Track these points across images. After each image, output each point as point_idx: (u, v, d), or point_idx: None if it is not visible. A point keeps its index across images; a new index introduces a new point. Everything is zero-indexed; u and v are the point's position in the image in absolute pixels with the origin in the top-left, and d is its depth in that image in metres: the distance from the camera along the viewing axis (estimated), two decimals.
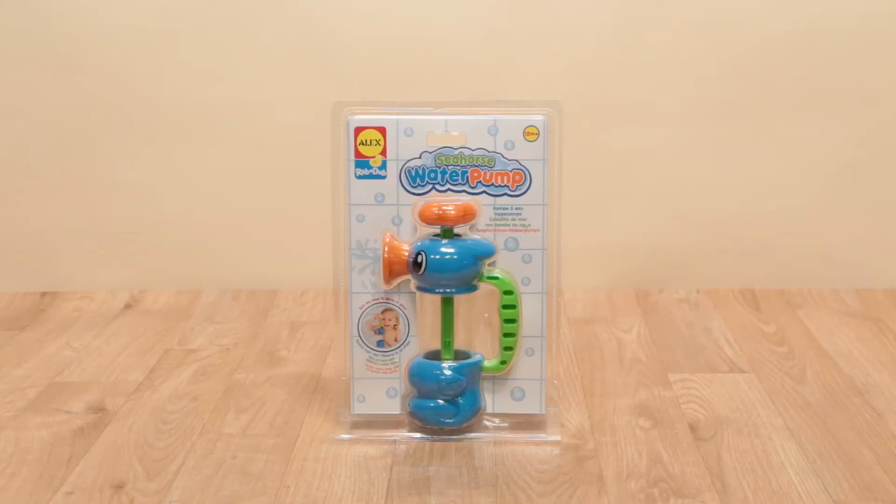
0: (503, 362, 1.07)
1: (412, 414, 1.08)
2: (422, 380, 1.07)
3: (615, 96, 1.48)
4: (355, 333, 1.08)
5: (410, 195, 1.06)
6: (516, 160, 1.05)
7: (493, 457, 1.05)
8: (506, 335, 1.07)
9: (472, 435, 1.08)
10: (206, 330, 1.39)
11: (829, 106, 1.48)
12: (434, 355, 1.08)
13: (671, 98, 1.48)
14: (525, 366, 1.08)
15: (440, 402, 1.06)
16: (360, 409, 1.09)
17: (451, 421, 1.07)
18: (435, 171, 1.05)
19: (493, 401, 1.09)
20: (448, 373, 1.06)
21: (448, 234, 1.05)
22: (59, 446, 1.08)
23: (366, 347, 1.08)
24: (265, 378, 1.24)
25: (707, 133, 1.49)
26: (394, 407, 1.09)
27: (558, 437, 1.08)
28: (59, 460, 1.05)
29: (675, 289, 1.53)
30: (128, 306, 1.49)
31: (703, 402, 1.17)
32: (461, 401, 1.06)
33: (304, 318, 1.44)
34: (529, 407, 1.09)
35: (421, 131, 1.05)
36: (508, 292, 1.06)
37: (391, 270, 1.05)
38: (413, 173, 1.06)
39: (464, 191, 1.06)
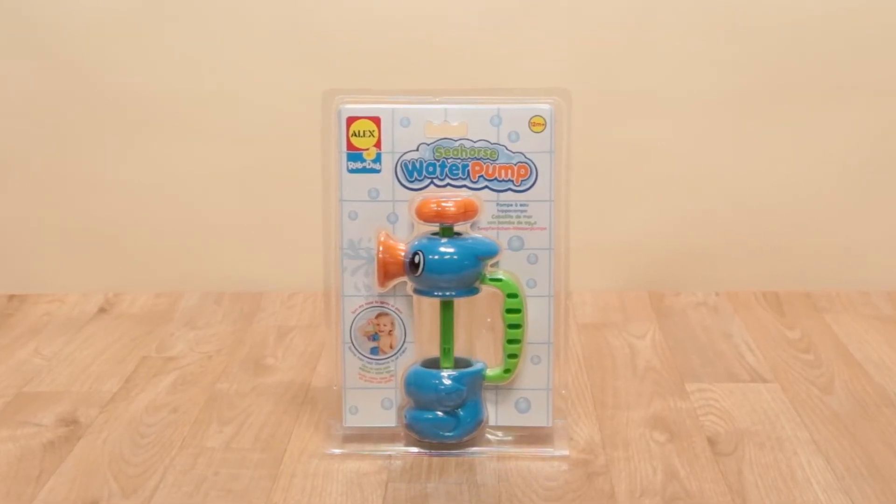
0: (507, 371, 1.07)
1: (409, 426, 1.08)
2: (419, 390, 1.07)
3: (627, 85, 1.48)
4: (347, 340, 1.08)
5: (407, 191, 1.06)
6: (521, 153, 1.05)
7: (496, 473, 1.05)
8: (510, 341, 1.06)
9: (474, 449, 1.08)
10: (186, 336, 1.39)
11: (854, 96, 1.48)
12: (432, 363, 1.08)
13: (687, 87, 1.48)
14: (530, 374, 1.08)
15: (439, 413, 1.06)
16: (352, 421, 1.09)
17: (450, 434, 1.07)
18: (433, 165, 1.05)
19: (496, 412, 1.09)
20: (447, 382, 1.06)
21: (447, 232, 1.05)
22: (28, 461, 1.07)
23: (359, 355, 1.08)
24: (250, 388, 1.24)
25: (725, 124, 1.49)
26: (389, 419, 1.09)
27: (566, 452, 1.08)
28: (27, 476, 1.05)
29: (693, 291, 1.53)
30: (102, 310, 1.49)
31: (723, 413, 1.16)
32: (462, 412, 1.06)
33: (293, 322, 1.44)
34: (535, 419, 1.09)
35: (418, 121, 1.05)
36: (513, 295, 1.06)
37: (386, 272, 1.05)
38: (410, 167, 1.05)
39: (464, 186, 1.06)
